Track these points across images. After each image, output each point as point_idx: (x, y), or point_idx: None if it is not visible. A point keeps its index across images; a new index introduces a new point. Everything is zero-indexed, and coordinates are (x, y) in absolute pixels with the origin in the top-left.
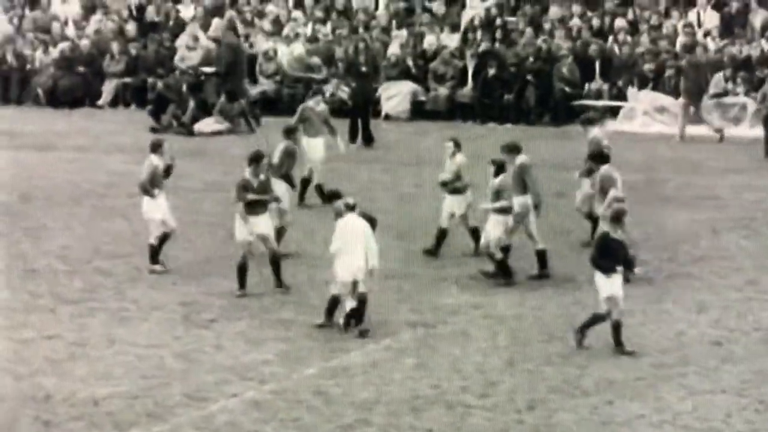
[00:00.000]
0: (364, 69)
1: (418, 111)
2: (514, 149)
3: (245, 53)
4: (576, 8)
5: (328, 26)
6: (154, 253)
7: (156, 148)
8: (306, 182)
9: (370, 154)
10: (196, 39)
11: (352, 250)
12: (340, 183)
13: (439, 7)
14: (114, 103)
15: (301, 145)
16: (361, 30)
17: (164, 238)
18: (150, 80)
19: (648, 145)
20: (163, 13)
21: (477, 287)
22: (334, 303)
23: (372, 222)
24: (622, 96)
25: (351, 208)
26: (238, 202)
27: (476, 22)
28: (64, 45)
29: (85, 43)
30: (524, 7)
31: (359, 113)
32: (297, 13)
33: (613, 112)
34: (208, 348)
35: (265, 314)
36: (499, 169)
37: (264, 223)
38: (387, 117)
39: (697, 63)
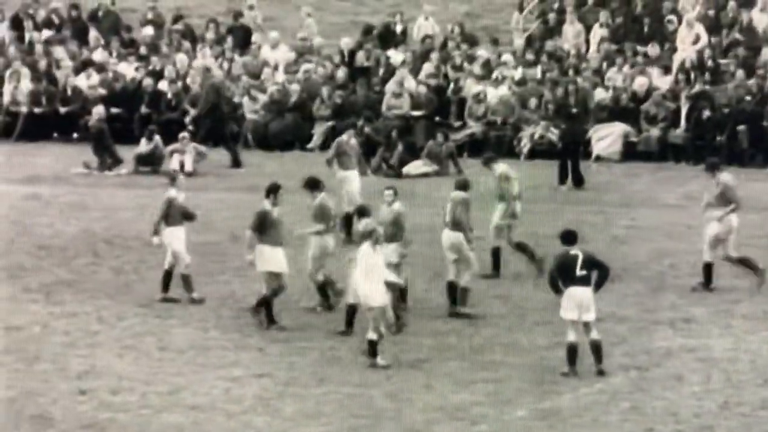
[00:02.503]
0: (574, 110)
1: (630, 152)
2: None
3: (227, 93)
4: None
5: (538, 69)
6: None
7: (173, 181)
8: (349, 218)
9: (580, 195)
10: (402, 84)
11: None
12: (551, 224)
13: (651, 49)
14: (324, 146)
15: (337, 177)
16: (571, 72)
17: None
18: (358, 124)
19: None
20: (373, 59)
21: (690, 330)
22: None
23: None
24: None
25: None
26: (251, 230)
27: (687, 64)
28: (273, 89)
29: (294, 87)
30: (736, 49)
31: (569, 154)
32: (507, 57)
33: None
34: (418, 388)
35: (475, 355)
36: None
37: (279, 257)
38: (598, 158)
39: None
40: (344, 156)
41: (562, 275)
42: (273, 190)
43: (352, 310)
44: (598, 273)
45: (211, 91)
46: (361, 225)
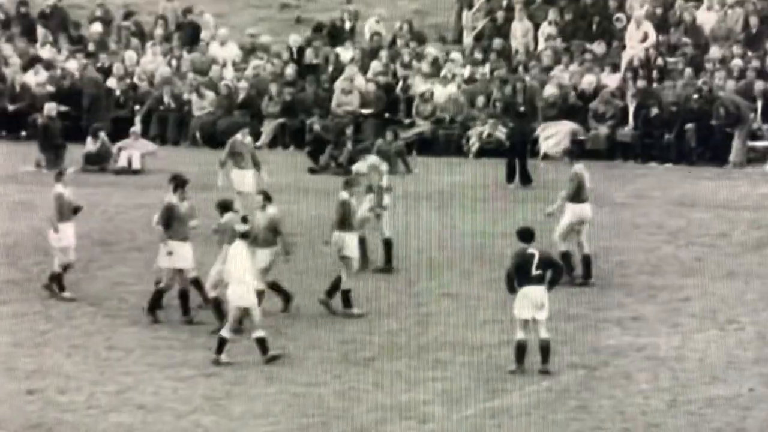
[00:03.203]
0: (522, 109)
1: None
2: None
3: (105, 88)
4: (736, 49)
5: (487, 67)
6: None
7: (59, 176)
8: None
9: (528, 193)
10: (352, 81)
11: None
12: (499, 223)
13: (599, 47)
14: (272, 144)
15: (229, 177)
16: (520, 70)
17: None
18: (308, 122)
19: None
20: (322, 56)
21: (638, 328)
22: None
23: None
24: None
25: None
26: (158, 225)
27: (635, 62)
28: (222, 86)
29: (243, 85)
30: (684, 47)
31: (517, 153)
32: (455, 55)
33: None
34: (367, 387)
35: (424, 353)
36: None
37: (184, 252)
38: (546, 156)
39: None
40: (238, 155)
41: (519, 274)
42: (180, 185)
43: (217, 303)
44: (552, 272)
45: (91, 85)
46: (224, 218)
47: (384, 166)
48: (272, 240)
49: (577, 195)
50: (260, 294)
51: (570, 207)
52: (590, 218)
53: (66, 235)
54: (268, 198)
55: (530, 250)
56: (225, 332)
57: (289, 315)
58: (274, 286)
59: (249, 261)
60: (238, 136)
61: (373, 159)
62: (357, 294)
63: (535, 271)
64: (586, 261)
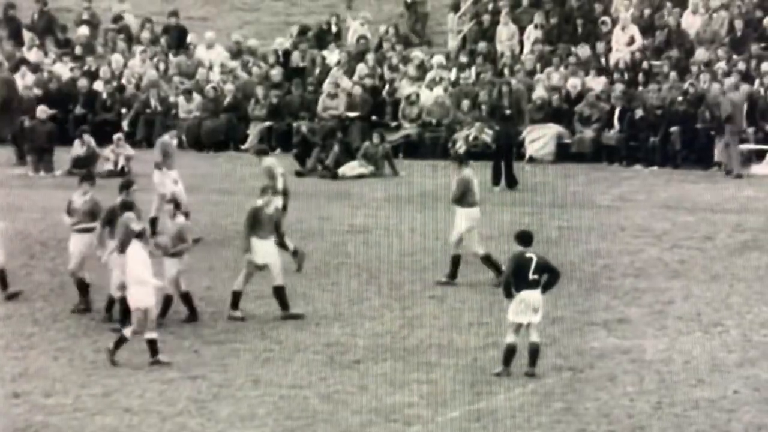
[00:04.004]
0: (507, 112)
1: (564, 153)
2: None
3: (17, 88)
4: (721, 52)
5: (473, 71)
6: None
7: None
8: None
9: (514, 196)
10: (337, 85)
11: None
12: (485, 226)
13: (584, 50)
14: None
15: (155, 178)
16: (506, 73)
17: None
18: (294, 125)
19: None
20: (309, 59)
21: (624, 331)
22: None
23: None
24: None
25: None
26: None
27: (621, 65)
28: (208, 89)
29: (229, 87)
30: (669, 50)
31: (503, 156)
32: (438, 58)
33: (759, 155)
34: (353, 389)
35: (409, 356)
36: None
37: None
38: (532, 159)
39: None
40: (168, 157)
41: (516, 278)
42: (126, 186)
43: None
44: (548, 276)
45: (2, 86)
46: (123, 217)
47: (280, 169)
48: (179, 249)
49: (466, 199)
50: (168, 299)
51: (463, 212)
52: (479, 222)
53: None
54: (177, 206)
55: (528, 254)
56: (127, 332)
57: (277, 318)
58: (185, 298)
59: (147, 261)
60: (166, 137)
61: (269, 161)
62: (346, 295)
63: (532, 276)
64: (486, 260)
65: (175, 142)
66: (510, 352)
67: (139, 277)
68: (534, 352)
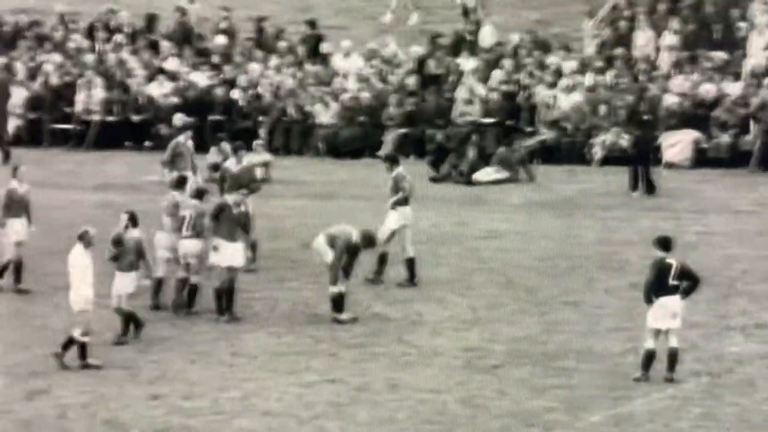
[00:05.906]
0: (645, 117)
1: (701, 159)
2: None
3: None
4: None
5: (609, 75)
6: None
7: (15, 171)
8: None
9: (652, 201)
10: (472, 91)
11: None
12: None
13: (721, 56)
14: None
15: (166, 176)
16: (642, 79)
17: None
18: (429, 131)
19: None
20: (444, 66)
21: (762, 335)
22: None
23: None
24: None
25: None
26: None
27: (757, 70)
28: (345, 97)
29: (365, 95)
30: None
31: (641, 161)
32: (570, 63)
33: None
34: (492, 394)
35: (548, 361)
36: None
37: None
38: (669, 165)
39: None
40: (179, 157)
41: (656, 284)
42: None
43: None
44: (688, 282)
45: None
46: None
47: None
48: (136, 263)
49: (399, 198)
50: (129, 317)
51: (396, 211)
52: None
53: (14, 230)
54: (133, 219)
55: (669, 260)
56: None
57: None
58: (128, 317)
59: (88, 266)
60: (181, 138)
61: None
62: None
63: (672, 281)
64: (410, 263)
65: (190, 143)
66: (649, 358)
67: (77, 281)
68: (673, 357)
